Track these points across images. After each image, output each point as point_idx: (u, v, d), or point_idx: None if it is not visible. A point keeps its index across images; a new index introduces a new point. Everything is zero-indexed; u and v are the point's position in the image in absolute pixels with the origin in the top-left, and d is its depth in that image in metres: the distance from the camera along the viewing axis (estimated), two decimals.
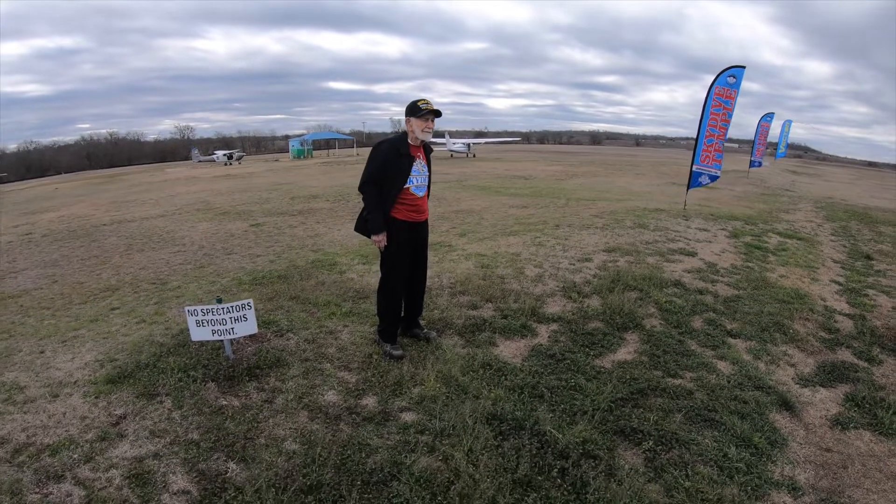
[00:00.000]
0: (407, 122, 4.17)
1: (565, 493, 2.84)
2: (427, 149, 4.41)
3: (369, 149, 4.51)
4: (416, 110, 4.09)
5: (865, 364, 4.77)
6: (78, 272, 8.19)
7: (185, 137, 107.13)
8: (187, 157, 60.74)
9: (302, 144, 55.36)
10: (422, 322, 4.87)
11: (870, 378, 4.49)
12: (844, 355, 4.94)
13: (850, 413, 3.94)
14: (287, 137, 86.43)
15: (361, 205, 4.34)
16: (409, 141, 4.20)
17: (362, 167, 4.24)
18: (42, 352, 4.66)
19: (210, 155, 53.48)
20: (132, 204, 17.63)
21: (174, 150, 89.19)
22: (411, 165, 4.18)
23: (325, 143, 61.09)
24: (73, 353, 4.55)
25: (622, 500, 2.75)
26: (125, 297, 6.60)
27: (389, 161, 4.14)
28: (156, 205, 16.78)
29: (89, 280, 7.67)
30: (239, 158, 50.61)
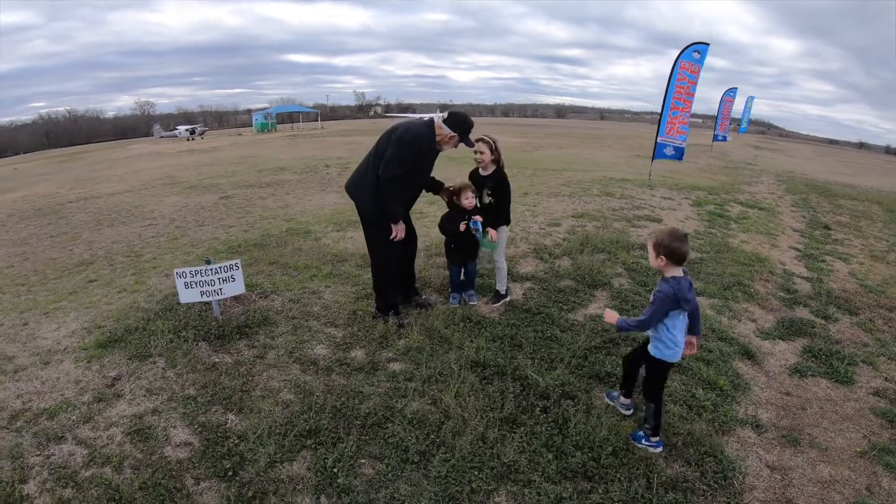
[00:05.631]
0: (452, 136, 4.14)
1: (549, 427, 3.09)
2: None
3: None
4: (467, 139, 4.21)
5: (822, 321, 5.10)
6: (49, 249, 8.07)
7: (146, 113, 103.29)
8: (149, 133, 58.74)
9: (266, 118, 53.99)
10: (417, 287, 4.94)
11: (826, 333, 4.82)
12: (802, 313, 5.27)
13: (807, 363, 4.25)
14: (249, 111, 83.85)
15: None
16: (437, 136, 4.17)
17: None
18: (25, 324, 4.65)
19: (172, 130, 51.72)
20: (97, 181, 17.16)
21: (135, 127, 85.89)
22: (434, 160, 4.32)
23: (288, 117, 59.72)
24: (57, 324, 4.56)
25: (601, 434, 2.99)
26: (101, 270, 6.58)
27: (423, 154, 4.17)
28: (121, 181, 16.37)
29: (62, 256, 7.58)
30: (202, 133, 49.11)
